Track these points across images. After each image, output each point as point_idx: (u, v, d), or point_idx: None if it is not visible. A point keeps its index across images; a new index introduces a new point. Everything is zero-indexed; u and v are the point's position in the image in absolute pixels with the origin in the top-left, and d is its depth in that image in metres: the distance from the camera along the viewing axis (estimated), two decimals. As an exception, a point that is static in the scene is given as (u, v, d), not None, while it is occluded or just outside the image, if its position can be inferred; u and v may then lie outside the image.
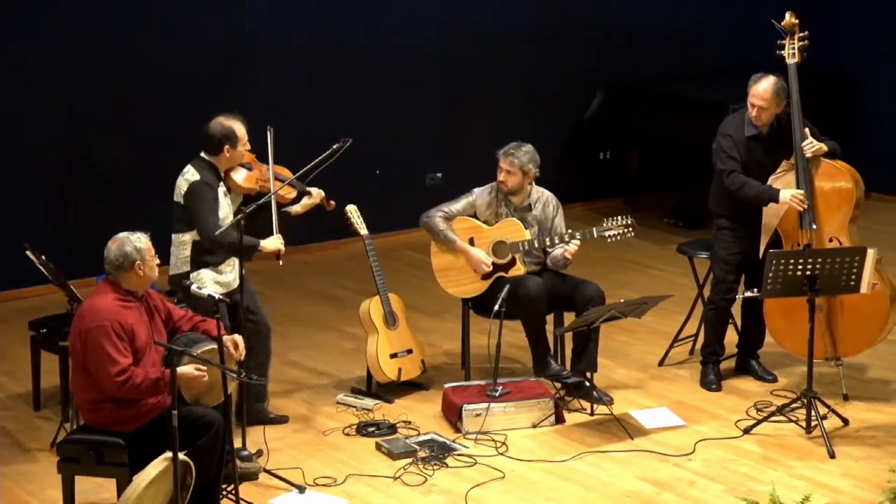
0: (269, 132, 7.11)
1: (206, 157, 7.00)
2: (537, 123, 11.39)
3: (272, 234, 7.01)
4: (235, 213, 6.97)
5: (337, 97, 10.67)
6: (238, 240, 6.66)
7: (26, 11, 9.49)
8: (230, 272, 7.01)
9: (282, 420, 7.36)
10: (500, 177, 7.65)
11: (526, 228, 7.65)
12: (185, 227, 6.91)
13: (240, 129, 7.01)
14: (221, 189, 6.97)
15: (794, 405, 7.28)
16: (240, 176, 7.05)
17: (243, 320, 6.84)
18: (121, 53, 9.84)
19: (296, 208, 7.28)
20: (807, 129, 7.42)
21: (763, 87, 7.44)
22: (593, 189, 12.05)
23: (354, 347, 8.50)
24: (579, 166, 11.94)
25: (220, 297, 6.20)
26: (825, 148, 7.45)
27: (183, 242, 6.92)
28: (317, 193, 7.30)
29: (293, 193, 7.25)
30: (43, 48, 9.58)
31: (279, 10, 10.45)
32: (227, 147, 6.96)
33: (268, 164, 7.13)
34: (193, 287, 6.34)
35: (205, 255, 6.84)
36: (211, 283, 6.84)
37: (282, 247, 7.01)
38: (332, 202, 7.44)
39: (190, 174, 6.93)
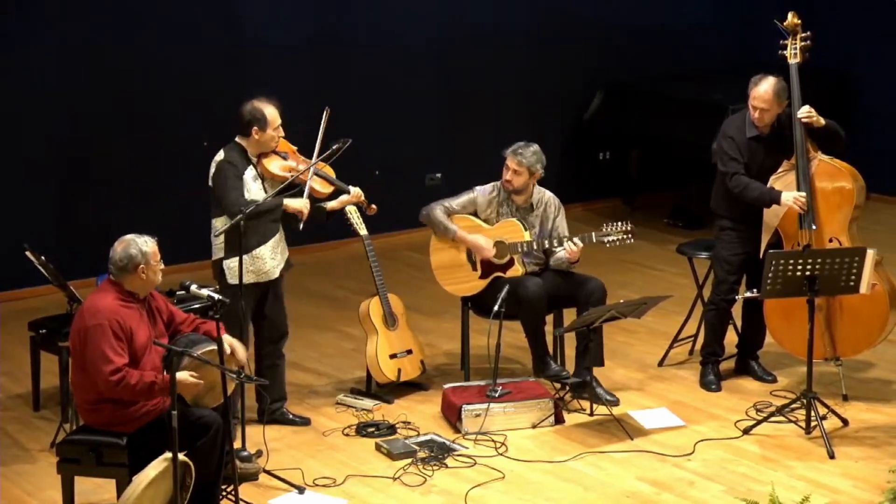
0: (325, 112, 7.14)
1: (238, 140, 7.04)
2: (537, 123, 11.38)
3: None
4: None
5: (337, 97, 10.65)
6: (258, 206, 6.75)
7: (26, 11, 9.49)
8: (269, 260, 7.04)
9: (305, 422, 7.38)
10: (507, 175, 7.64)
11: (526, 229, 7.64)
12: (219, 212, 6.93)
13: (271, 112, 7.02)
14: (251, 172, 7.00)
15: (793, 405, 7.28)
16: (272, 163, 7.06)
17: (244, 317, 6.84)
18: (121, 53, 9.84)
19: (332, 204, 7.29)
20: (805, 127, 7.43)
21: (763, 89, 7.44)
22: (593, 189, 12.05)
23: (354, 348, 8.50)
24: (579, 166, 11.94)
25: (220, 297, 6.19)
26: (822, 121, 7.43)
27: (217, 228, 6.94)
28: (354, 192, 7.30)
29: (329, 189, 7.23)
30: (43, 48, 9.58)
31: (279, 11, 10.45)
32: (255, 129, 6.98)
33: (308, 158, 7.13)
34: (193, 287, 6.33)
35: (234, 240, 6.81)
36: (245, 271, 6.84)
37: (305, 210, 6.99)
38: (374, 206, 7.44)
39: (218, 156, 7.01)
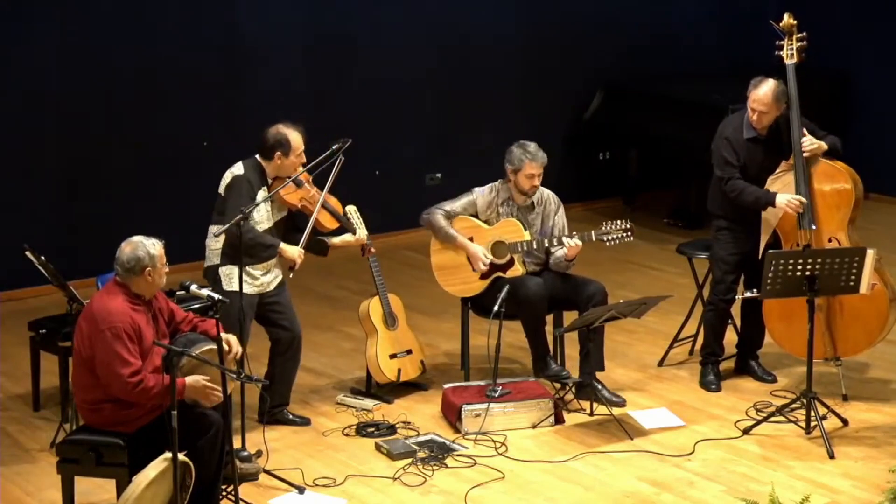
0: (339, 160, 7.09)
1: (259, 159, 7.06)
2: (537, 123, 11.39)
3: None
4: (278, 225, 7.09)
5: (336, 97, 10.68)
6: (256, 237, 6.77)
7: (26, 11, 9.49)
8: (267, 274, 7.07)
9: (305, 422, 7.39)
10: (534, 182, 7.57)
11: (526, 229, 7.65)
12: (221, 219, 6.95)
13: (295, 138, 7.04)
14: (263, 193, 7.02)
15: (793, 405, 7.28)
16: (287, 189, 7.07)
17: (245, 324, 6.83)
18: (120, 53, 9.84)
19: (335, 241, 7.35)
20: (804, 129, 7.44)
21: (763, 92, 7.44)
22: (592, 189, 12.05)
23: (354, 348, 8.50)
24: (579, 166, 11.95)
25: (220, 297, 6.19)
26: (825, 146, 7.46)
27: (213, 228, 6.95)
28: (360, 236, 7.38)
29: (334, 224, 7.30)
30: (43, 48, 9.58)
31: (278, 10, 10.45)
32: (278, 154, 7.01)
33: (321, 188, 7.17)
34: (193, 287, 6.33)
35: (230, 248, 6.82)
36: (245, 283, 6.86)
37: (298, 260, 7.06)
38: (373, 249, 7.51)
39: (236, 168, 7.03)
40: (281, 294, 7.22)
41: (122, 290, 6.04)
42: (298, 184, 7.13)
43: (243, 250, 6.71)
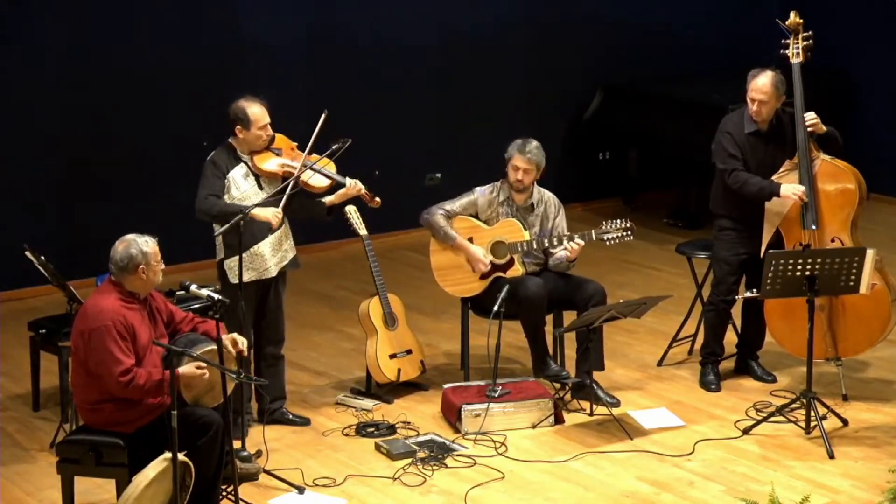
0: (323, 113, 7.10)
1: (230, 140, 7.10)
2: (537, 123, 11.35)
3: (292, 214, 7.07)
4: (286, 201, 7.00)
5: (336, 97, 10.66)
6: (223, 208, 6.76)
7: (26, 11, 9.49)
8: (269, 258, 7.06)
9: (304, 422, 7.38)
10: (518, 175, 7.60)
11: (526, 229, 7.64)
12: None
13: (254, 111, 7.01)
14: (240, 170, 7.03)
15: (793, 405, 7.28)
16: (265, 160, 7.07)
17: (241, 317, 6.82)
18: (120, 53, 9.84)
19: (330, 199, 7.26)
20: (810, 124, 7.45)
21: (762, 81, 7.45)
22: (592, 189, 12.04)
23: (353, 348, 8.50)
24: (578, 166, 11.94)
25: (220, 297, 6.19)
26: (823, 128, 7.45)
27: (217, 228, 6.98)
28: (352, 185, 7.23)
29: (324, 183, 7.17)
30: (43, 48, 9.58)
31: (278, 11, 10.45)
32: (238, 128, 7.03)
33: (309, 153, 7.11)
34: (193, 287, 6.32)
35: (229, 239, 6.82)
36: (245, 269, 6.86)
37: (273, 219, 6.91)
38: (378, 199, 7.38)
39: (210, 154, 7.07)
40: (279, 285, 7.21)
41: (116, 289, 6.05)
42: (277, 153, 7.11)
43: (218, 222, 6.79)
